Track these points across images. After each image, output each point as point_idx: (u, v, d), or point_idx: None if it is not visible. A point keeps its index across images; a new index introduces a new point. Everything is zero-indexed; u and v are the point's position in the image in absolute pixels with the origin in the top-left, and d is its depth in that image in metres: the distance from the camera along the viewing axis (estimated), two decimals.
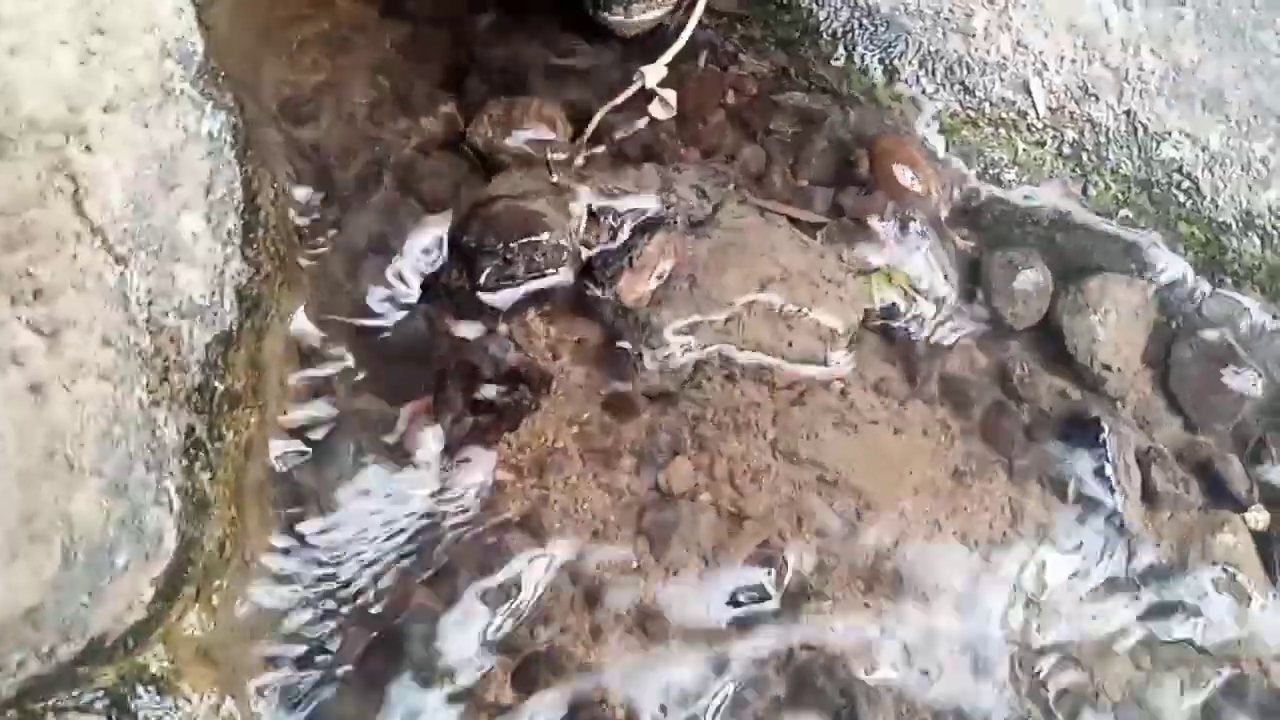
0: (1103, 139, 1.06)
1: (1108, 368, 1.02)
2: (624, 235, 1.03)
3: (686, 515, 0.93)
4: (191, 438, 0.77)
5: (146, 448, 0.72)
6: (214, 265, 0.83)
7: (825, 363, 0.99)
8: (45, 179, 0.68)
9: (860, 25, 1.10)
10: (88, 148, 0.72)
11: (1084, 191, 1.07)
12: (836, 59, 1.11)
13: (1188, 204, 1.04)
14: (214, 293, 0.83)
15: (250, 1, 1.10)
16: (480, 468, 0.95)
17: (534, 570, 0.91)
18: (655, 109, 1.02)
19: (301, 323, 0.95)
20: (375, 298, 0.99)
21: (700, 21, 1.14)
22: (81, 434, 0.65)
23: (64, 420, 0.64)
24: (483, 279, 1.00)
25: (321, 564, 0.89)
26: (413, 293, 1.00)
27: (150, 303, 0.76)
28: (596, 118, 1.04)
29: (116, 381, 0.70)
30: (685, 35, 0.98)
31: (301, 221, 0.99)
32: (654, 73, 0.99)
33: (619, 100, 1.04)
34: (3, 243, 0.63)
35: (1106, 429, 0.97)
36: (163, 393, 0.75)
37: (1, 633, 0.65)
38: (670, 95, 1.01)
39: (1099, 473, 0.97)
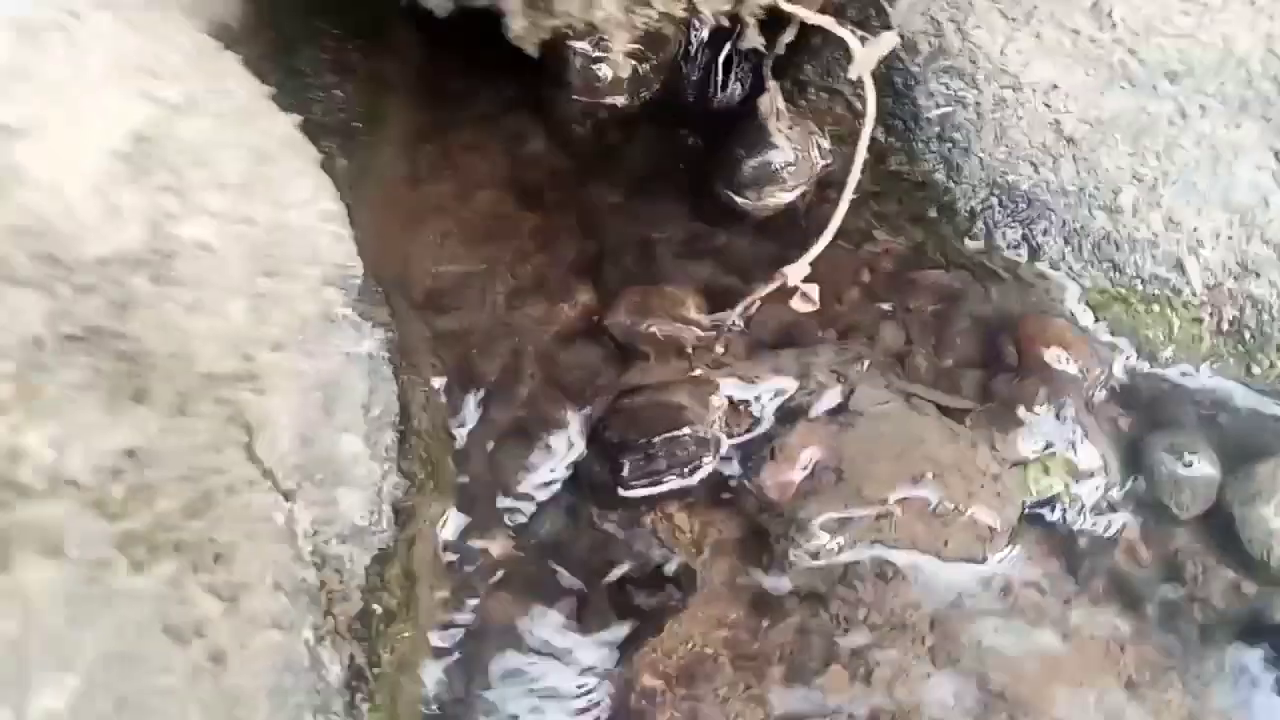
0: (1265, 316, 1.01)
1: None
2: (765, 424, 1.02)
3: None
4: (352, 668, 0.77)
5: (314, 691, 0.71)
6: (373, 483, 0.83)
7: (984, 561, 0.95)
8: (220, 431, 0.70)
9: (1000, 203, 1.08)
10: (259, 391, 0.74)
11: (1248, 371, 1.02)
12: (974, 236, 1.09)
13: None
14: (373, 511, 0.83)
15: (395, 197, 1.14)
16: (628, 674, 0.92)
17: None
18: (798, 303, 1.01)
19: (452, 527, 0.95)
20: (518, 493, 0.99)
21: (830, 198, 1.14)
22: (255, 694, 0.65)
23: (242, 686, 0.64)
24: (626, 473, 0.99)
25: None
26: (556, 487, 1.00)
27: (315, 533, 0.77)
28: (737, 314, 1.03)
29: (286, 627, 0.70)
30: (829, 234, 0.97)
31: (451, 421, 1.00)
32: (797, 271, 0.99)
33: (760, 295, 1.03)
34: (185, 510, 0.64)
35: None
36: (327, 627, 0.75)
37: None
38: (813, 290, 1.00)
39: None
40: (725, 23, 0.82)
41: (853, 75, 0.90)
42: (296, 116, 0.88)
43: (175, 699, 0.61)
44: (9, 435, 0.55)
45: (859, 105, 1.13)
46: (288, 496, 0.75)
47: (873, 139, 1.15)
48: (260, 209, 0.78)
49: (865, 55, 0.88)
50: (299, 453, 0.77)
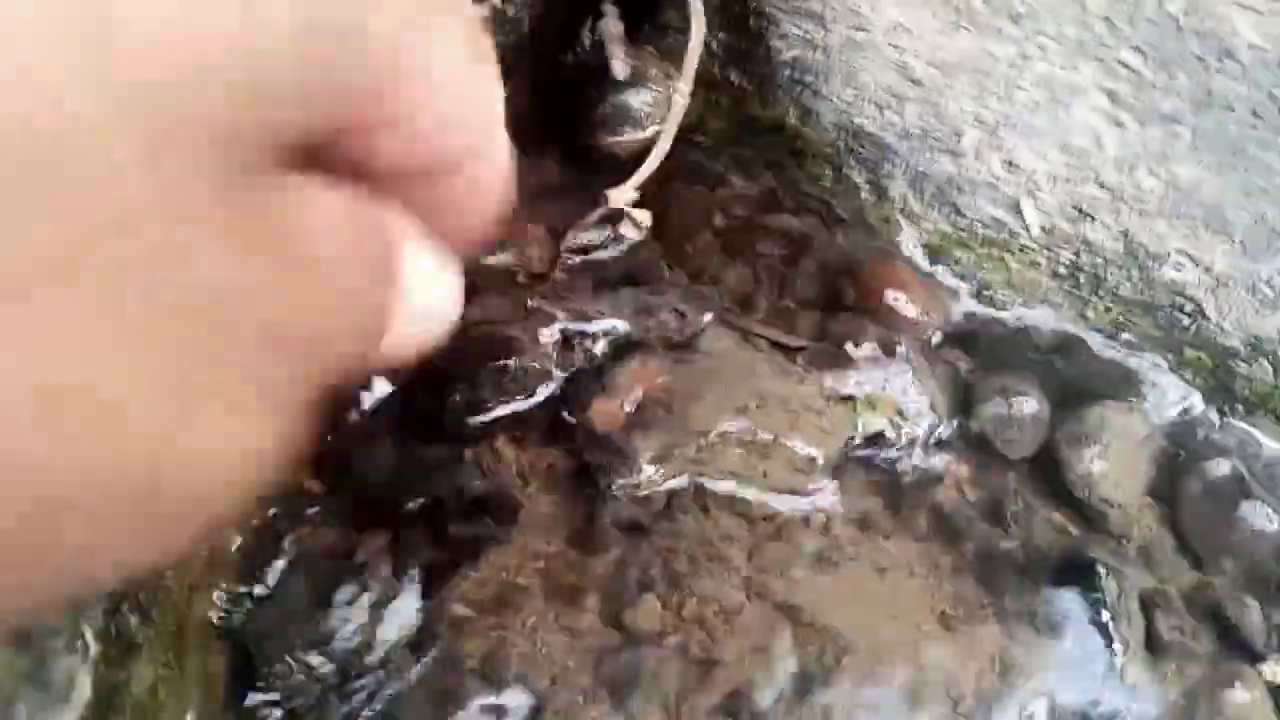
0: (1099, 259, 1.01)
1: (1108, 503, 0.95)
2: (599, 360, 1.00)
3: (651, 661, 0.88)
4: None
5: None
6: None
7: (804, 493, 0.95)
8: None
9: (848, 146, 1.08)
10: None
11: (1081, 314, 1.02)
12: (823, 180, 1.09)
13: (1192, 328, 0.99)
14: None
15: None
16: (440, 606, 0.91)
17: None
18: (625, 229, 1.00)
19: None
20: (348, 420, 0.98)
21: (691, 142, 1.13)
22: None
23: None
24: (453, 403, 0.97)
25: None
26: (379, 418, 0.98)
27: None
28: (567, 243, 1.02)
29: None
30: (653, 160, 0.96)
31: None
32: (619, 194, 0.97)
33: (587, 221, 1.01)
34: None
35: (1104, 572, 0.90)
36: None
37: None
38: (644, 215, 0.99)
39: (1096, 620, 0.90)
40: None
41: None
42: None
43: None
44: None
45: (715, 48, 1.13)
46: None
47: (730, 83, 1.15)
48: None
49: None
50: None
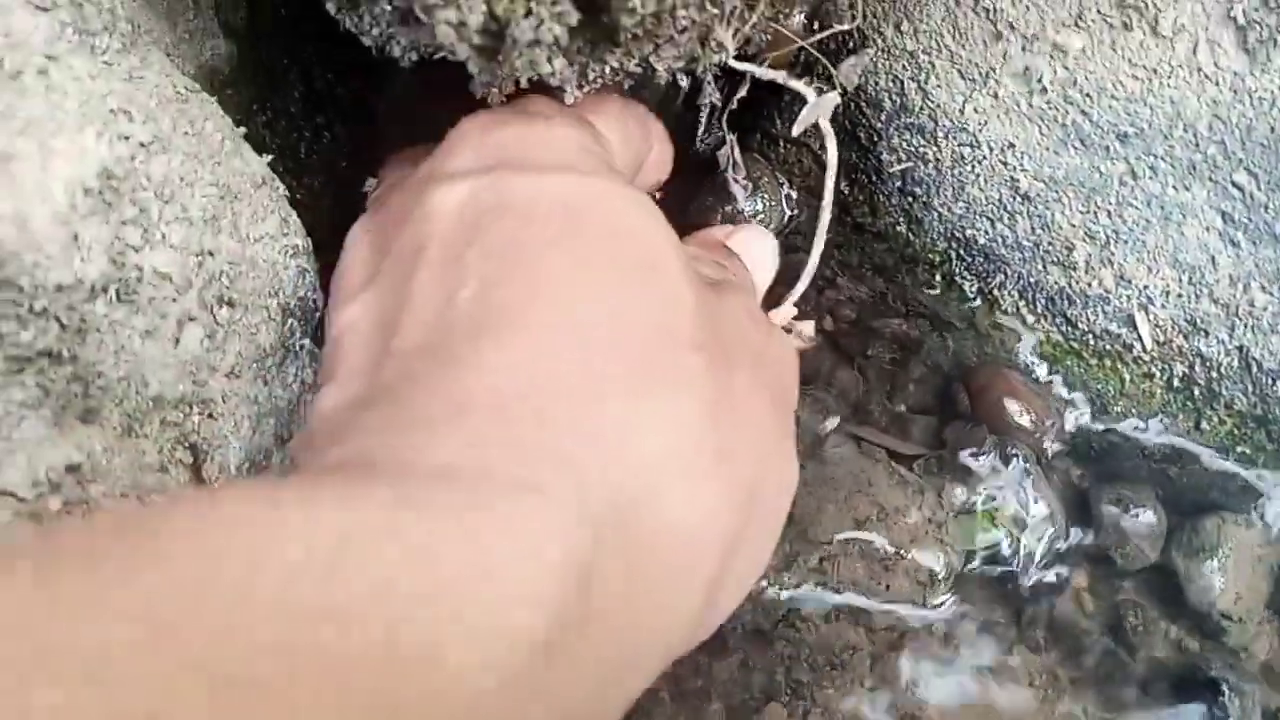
0: (1214, 374, 1.03)
1: (1228, 616, 0.97)
2: None
3: None
4: None
5: None
6: None
7: (925, 606, 0.97)
8: (168, 452, 0.73)
9: (958, 256, 1.11)
10: (210, 416, 0.77)
11: (1196, 426, 1.04)
12: (933, 287, 1.12)
13: None
14: None
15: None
16: None
17: None
18: (795, 342, 1.04)
19: None
20: None
21: (798, 247, 1.17)
22: None
23: None
24: None
25: None
26: None
27: None
28: None
29: None
30: (806, 277, 1.00)
31: None
32: (781, 314, 1.01)
33: None
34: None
35: (1227, 691, 0.92)
36: None
37: None
38: (808, 327, 1.03)
39: None
40: (684, 80, 0.85)
41: (795, 132, 0.94)
42: (268, 156, 0.91)
43: None
44: None
45: (825, 158, 1.17)
46: None
47: (838, 192, 1.19)
48: (224, 242, 0.81)
49: (805, 114, 0.92)
50: (249, 477, 0.80)
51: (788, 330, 1.09)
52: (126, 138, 0.71)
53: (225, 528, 0.27)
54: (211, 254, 0.78)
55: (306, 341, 0.89)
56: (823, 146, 1.15)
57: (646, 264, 0.51)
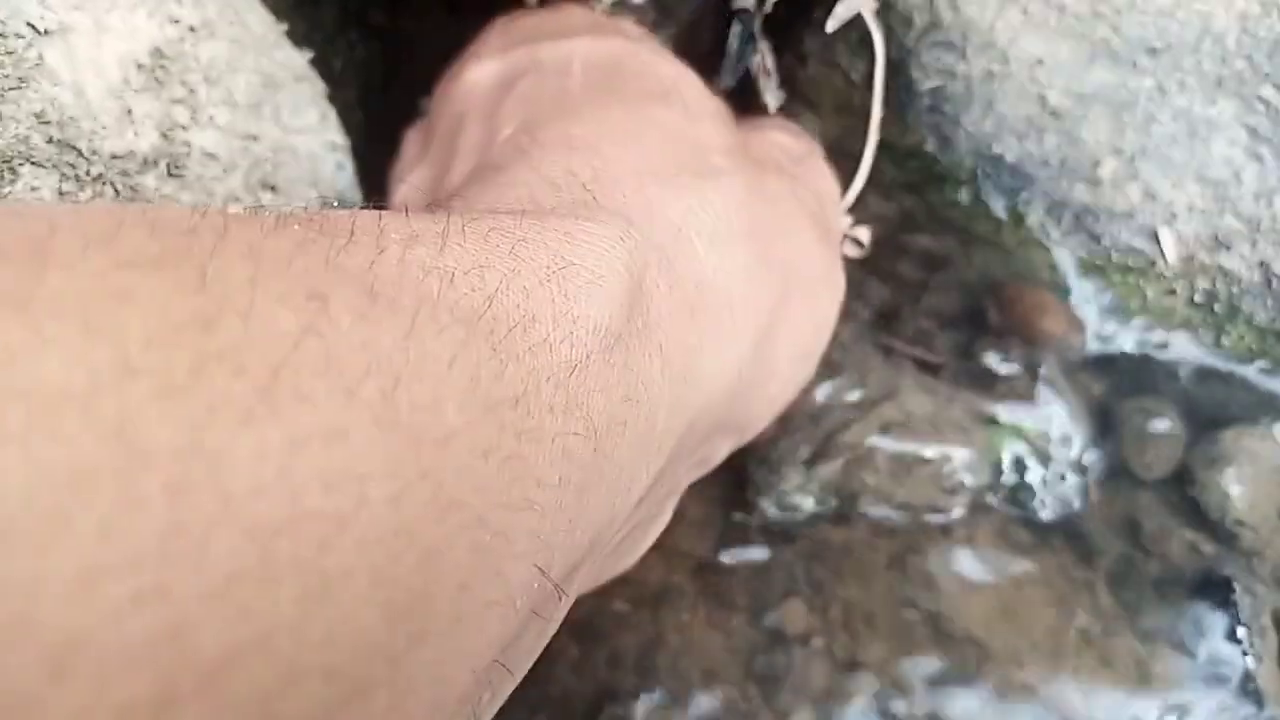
0: (1235, 289, 1.04)
1: (1242, 524, 0.98)
2: None
3: (799, 660, 0.94)
4: None
5: None
6: None
7: (947, 510, 0.99)
8: None
9: (986, 173, 1.12)
10: None
11: (1218, 341, 1.05)
12: (961, 204, 1.13)
13: None
14: None
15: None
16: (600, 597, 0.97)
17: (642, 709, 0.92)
18: (849, 249, 1.06)
19: None
20: None
21: (836, 161, 1.18)
22: None
23: None
24: None
25: None
26: None
27: None
28: None
29: None
30: (858, 183, 1.00)
31: None
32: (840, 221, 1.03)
33: None
34: None
35: (1239, 589, 0.94)
36: None
37: None
38: (864, 232, 1.04)
39: (1231, 635, 0.93)
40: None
41: (830, 28, 0.95)
42: (309, 53, 0.93)
43: None
44: None
45: (854, 77, 1.17)
46: None
47: (868, 110, 1.20)
48: (267, 129, 0.83)
49: (841, 9, 0.93)
50: None
51: (845, 236, 1.10)
52: (176, 21, 0.73)
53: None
54: (255, 139, 0.81)
55: None
56: (853, 67, 1.16)
57: (673, 92, 0.56)
